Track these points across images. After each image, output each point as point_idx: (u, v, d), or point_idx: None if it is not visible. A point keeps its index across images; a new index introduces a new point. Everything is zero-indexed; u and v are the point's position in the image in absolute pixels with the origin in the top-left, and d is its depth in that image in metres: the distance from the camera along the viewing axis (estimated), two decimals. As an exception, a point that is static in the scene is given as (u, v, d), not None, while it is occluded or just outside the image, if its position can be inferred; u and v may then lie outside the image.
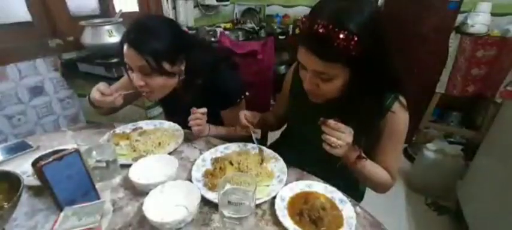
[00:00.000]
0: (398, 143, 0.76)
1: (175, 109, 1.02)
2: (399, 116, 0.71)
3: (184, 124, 0.91)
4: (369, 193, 0.93)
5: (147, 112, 1.57)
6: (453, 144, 2.05)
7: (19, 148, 0.88)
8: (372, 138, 0.76)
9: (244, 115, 0.85)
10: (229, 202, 0.49)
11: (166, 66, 0.83)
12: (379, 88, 0.69)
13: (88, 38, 1.50)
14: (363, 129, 0.69)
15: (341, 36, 0.55)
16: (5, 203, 0.58)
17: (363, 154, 0.72)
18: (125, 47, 0.80)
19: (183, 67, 0.89)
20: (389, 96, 0.71)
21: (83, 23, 1.49)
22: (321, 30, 0.56)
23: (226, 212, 0.50)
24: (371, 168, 0.74)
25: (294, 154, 0.82)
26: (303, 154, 0.88)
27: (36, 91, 1.55)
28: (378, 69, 0.64)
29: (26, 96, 1.51)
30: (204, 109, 0.86)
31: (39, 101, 1.58)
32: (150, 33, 0.79)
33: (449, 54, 1.97)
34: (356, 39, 0.55)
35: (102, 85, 0.90)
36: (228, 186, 0.55)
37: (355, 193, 0.88)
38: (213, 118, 0.96)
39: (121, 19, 1.59)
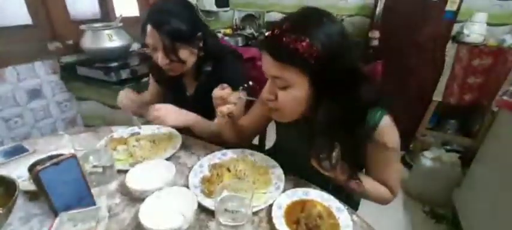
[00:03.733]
0: (393, 157, 0.74)
1: (178, 103, 1.04)
2: (388, 131, 0.68)
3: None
4: (366, 201, 0.93)
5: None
6: (450, 151, 2.06)
7: (15, 152, 0.87)
8: (356, 157, 0.73)
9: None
10: (226, 210, 0.49)
11: (187, 42, 0.90)
12: (355, 109, 0.65)
13: (88, 41, 1.51)
14: (349, 149, 0.66)
15: (292, 36, 0.58)
16: (1, 209, 0.58)
17: (356, 176, 0.70)
18: (149, 28, 0.87)
19: (201, 45, 0.95)
20: (375, 113, 0.67)
21: (83, 27, 1.50)
22: (275, 32, 0.60)
23: (222, 220, 0.50)
24: (367, 185, 0.72)
25: (290, 161, 0.82)
26: (298, 162, 0.88)
27: (34, 94, 1.55)
28: (346, 90, 0.62)
29: (23, 98, 1.50)
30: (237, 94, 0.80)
31: (36, 104, 1.58)
32: (170, 12, 0.88)
33: (446, 63, 1.99)
34: (307, 41, 0.57)
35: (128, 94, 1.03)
36: (225, 193, 0.55)
37: (351, 201, 0.88)
38: (213, 115, 0.95)
39: (121, 24, 1.60)
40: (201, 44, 0.95)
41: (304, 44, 0.57)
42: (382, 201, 0.77)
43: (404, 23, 1.93)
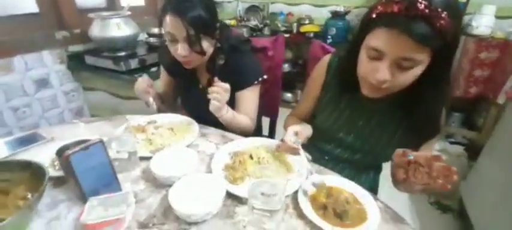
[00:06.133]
0: (435, 143, 0.75)
1: (190, 95, 1.05)
2: (442, 117, 0.71)
3: (198, 112, 0.94)
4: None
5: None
6: (454, 144, 2.08)
7: (32, 140, 0.87)
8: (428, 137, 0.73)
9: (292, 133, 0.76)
10: (262, 194, 0.50)
11: (208, 33, 0.87)
12: (444, 84, 0.65)
13: (96, 30, 1.49)
14: (422, 128, 0.68)
15: (443, 15, 0.52)
16: (28, 193, 0.58)
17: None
18: (169, 18, 0.82)
19: (218, 35, 0.92)
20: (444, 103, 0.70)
21: (91, 15, 1.48)
22: (425, 10, 0.52)
23: (256, 204, 0.50)
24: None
25: (309, 152, 0.82)
26: (324, 153, 0.88)
27: (42, 83, 1.54)
28: (449, 63, 0.62)
29: (31, 88, 1.49)
30: (226, 85, 0.84)
31: (44, 94, 1.56)
32: (190, 0, 0.82)
33: (453, 56, 1.99)
34: (453, 23, 0.53)
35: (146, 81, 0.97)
36: (253, 180, 0.56)
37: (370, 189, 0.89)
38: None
39: (129, 12, 1.57)
40: (218, 35, 0.93)
41: (451, 26, 0.52)
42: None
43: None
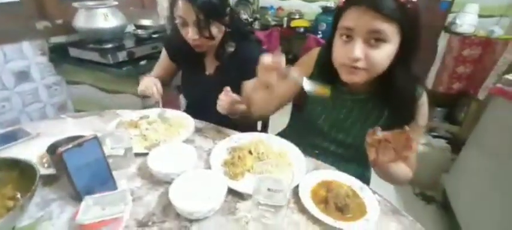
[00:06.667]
0: (420, 136, 0.78)
1: (195, 81, 1.05)
2: (424, 108, 0.73)
3: (200, 98, 0.96)
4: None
5: (143, 101, 1.52)
6: (437, 138, 2.16)
7: (16, 136, 0.82)
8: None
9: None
10: (269, 189, 0.49)
11: (218, 18, 0.89)
12: (414, 75, 0.70)
13: (81, 21, 1.42)
14: (399, 116, 0.70)
15: None
16: (18, 193, 0.54)
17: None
18: (180, 2, 0.84)
19: (227, 20, 0.93)
20: (417, 88, 0.72)
21: (75, 4, 1.40)
22: None
23: (261, 200, 0.50)
24: (395, 165, 0.70)
25: (304, 145, 0.82)
26: (314, 147, 0.89)
27: (22, 76, 1.45)
28: (415, 50, 0.65)
29: (11, 81, 1.40)
30: (234, 98, 0.83)
31: (24, 87, 1.48)
32: None
33: (438, 53, 2.06)
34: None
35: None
36: (253, 176, 0.55)
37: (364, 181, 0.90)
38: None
39: (116, 2, 1.50)
40: (227, 21, 0.94)
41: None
42: (404, 180, 0.76)
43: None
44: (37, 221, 0.53)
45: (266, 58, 0.66)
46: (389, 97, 0.71)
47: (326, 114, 0.84)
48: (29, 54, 1.45)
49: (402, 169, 0.72)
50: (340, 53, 0.68)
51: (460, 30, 1.96)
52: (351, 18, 0.63)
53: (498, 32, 1.90)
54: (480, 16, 1.98)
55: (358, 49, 0.63)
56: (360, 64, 0.64)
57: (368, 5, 0.60)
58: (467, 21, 1.94)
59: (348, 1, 0.64)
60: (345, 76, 0.70)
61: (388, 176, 0.73)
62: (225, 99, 0.82)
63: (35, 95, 1.54)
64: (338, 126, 0.83)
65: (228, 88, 0.84)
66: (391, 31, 0.61)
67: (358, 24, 0.62)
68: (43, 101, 1.59)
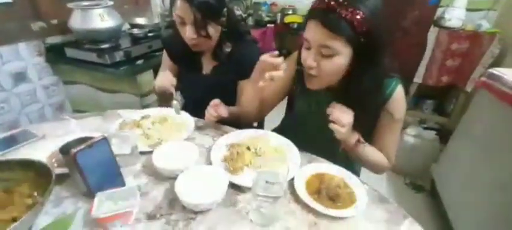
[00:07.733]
0: (397, 128, 0.83)
1: (192, 80, 1.08)
2: (399, 101, 0.78)
3: (196, 97, 0.98)
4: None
5: (141, 100, 1.55)
6: (427, 129, 2.25)
7: (23, 138, 0.85)
8: (371, 123, 0.83)
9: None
10: (267, 182, 0.54)
11: (215, 18, 0.91)
12: (378, 75, 0.74)
13: (77, 21, 1.43)
14: (363, 115, 0.75)
15: (349, 9, 0.61)
16: (35, 192, 0.58)
17: (362, 139, 0.79)
18: (179, 1, 0.87)
19: (224, 20, 0.95)
20: (391, 83, 0.77)
21: (71, 5, 1.41)
22: (332, 3, 0.62)
23: (260, 191, 0.55)
24: (369, 151, 0.81)
25: (296, 141, 0.87)
26: (306, 140, 0.94)
27: (19, 77, 1.47)
28: (377, 56, 0.69)
29: (8, 82, 1.42)
30: (222, 112, 0.89)
31: (22, 88, 1.49)
32: None
33: (427, 47, 2.12)
34: (363, 16, 0.61)
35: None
36: (252, 170, 0.60)
37: (354, 173, 0.96)
38: (227, 95, 0.99)
39: (112, 2, 1.52)
40: (224, 22, 0.96)
41: (359, 17, 0.61)
42: (379, 168, 0.84)
43: (391, 7, 2.00)
44: (61, 219, 0.57)
45: (266, 57, 0.73)
46: (350, 99, 0.75)
47: (311, 111, 0.89)
48: (25, 55, 1.46)
49: (372, 153, 0.81)
50: (302, 58, 0.74)
51: (448, 24, 2.01)
52: (308, 30, 0.69)
53: (485, 25, 1.96)
54: (468, 10, 2.03)
55: (310, 59, 0.70)
56: (312, 72, 0.71)
57: (318, 21, 0.65)
58: (455, 15, 2.00)
59: (309, 13, 0.69)
60: (306, 82, 0.77)
61: (362, 160, 0.83)
62: (213, 115, 0.88)
63: (33, 96, 1.55)
64: (311, 123, 0.89)
65: (216, 101, 0.89)
66: (340, 46, 0.65)
67: (313, 38, 0.68)
68: (41, 102, 1.60)
